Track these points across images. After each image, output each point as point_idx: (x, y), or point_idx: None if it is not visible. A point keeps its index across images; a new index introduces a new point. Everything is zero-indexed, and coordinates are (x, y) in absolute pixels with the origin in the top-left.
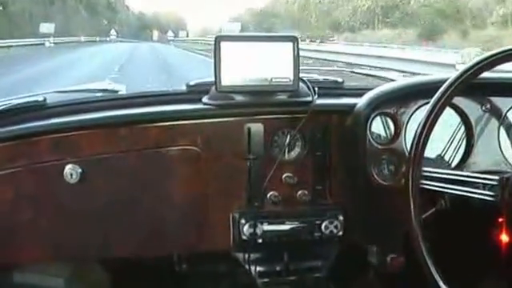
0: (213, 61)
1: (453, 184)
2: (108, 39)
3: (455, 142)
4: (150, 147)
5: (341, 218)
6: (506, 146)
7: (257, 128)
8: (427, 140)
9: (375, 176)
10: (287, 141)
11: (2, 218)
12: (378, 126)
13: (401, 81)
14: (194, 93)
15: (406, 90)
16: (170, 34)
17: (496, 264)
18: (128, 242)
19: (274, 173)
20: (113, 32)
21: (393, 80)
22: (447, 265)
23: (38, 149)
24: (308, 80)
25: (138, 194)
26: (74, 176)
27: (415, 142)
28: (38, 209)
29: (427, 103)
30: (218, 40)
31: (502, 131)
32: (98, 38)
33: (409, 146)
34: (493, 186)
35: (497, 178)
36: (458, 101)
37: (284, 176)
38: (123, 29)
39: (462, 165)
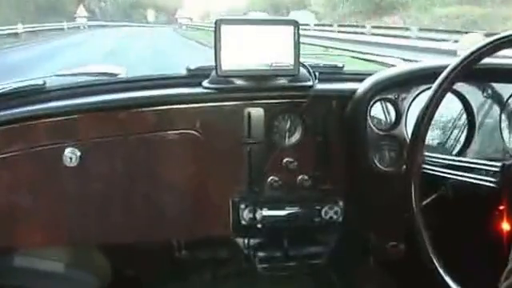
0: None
1: (454, 170)
2: (78, 25)
3: (456, 128)
4: (149, 131)
5: (341, 203)
6: (508, 132)
7: (257, 112)
8: (429, 125)
9: (376, 162)
10: (287, 125)
11: (1, 202)
12: (378, 112)
13: (402, 66)
14: (194, 77)
15: (406, 75)
16: (182, 15)
17: (497, 251)
18: (127, 226)
19: (274, 158)
20: (81, 12)
21: (393, 65)
22: (447, 252)
23: (37, 132)
24: (309, 65)
25: (137, 178)
26: (73, 159)
27: (416, 127)
28: (37, 192)
29: (428, 89)
30: (219, 23)
31: (504, 118)
32: (65, 25)
33: (410, 132)
34: (495, 172)
35: (498, 164)
36: (460, 86)
37: (284, 161)
38: (106, 6)
39: (463, 152)
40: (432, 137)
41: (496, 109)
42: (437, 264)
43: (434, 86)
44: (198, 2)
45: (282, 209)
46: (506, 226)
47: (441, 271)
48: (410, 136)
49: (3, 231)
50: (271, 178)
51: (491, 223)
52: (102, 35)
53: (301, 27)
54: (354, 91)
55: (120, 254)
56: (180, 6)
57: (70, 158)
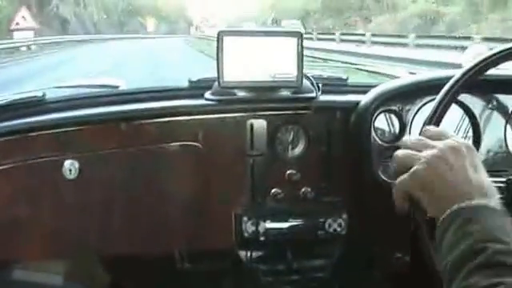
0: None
1: None
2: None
3: None
4: (150, 143)
5: (345, 216)
6: None
7: (260, 124)
8: None
9: (380, 174)
10: (290, 137)
11: (0, 214)
12: (382, 123)
13: (406, 78)
14: (196, 88)
15: (411, 86)
16: (207, 23)
17: None
18: (127, 239)
19: (277, 169)
20: (22, 21)
21: (397, 77)
22: None
23: (37, 144)
24: (312, 76)
25: (138, 191)
26: (72, 172)
27: None
28: (37, 205)
29: (432, 100)
30: (221, 35)
31: (509, 129)
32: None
33: None
34: (500, 188)
35: (504, 179)
36: (464, 98)
37: (287, 173)
38: (86, 13)
39: None
40: None
41: (501, 120)
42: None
43: (438, 97)
44: (202, 8)
45: (286, 221)
46: None
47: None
48: None
49: (2, 243)
50: (274, 190)
51: None
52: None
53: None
54: (357, 103)
55: (120, 267)
56: (182, 16)
57: (70, 171)
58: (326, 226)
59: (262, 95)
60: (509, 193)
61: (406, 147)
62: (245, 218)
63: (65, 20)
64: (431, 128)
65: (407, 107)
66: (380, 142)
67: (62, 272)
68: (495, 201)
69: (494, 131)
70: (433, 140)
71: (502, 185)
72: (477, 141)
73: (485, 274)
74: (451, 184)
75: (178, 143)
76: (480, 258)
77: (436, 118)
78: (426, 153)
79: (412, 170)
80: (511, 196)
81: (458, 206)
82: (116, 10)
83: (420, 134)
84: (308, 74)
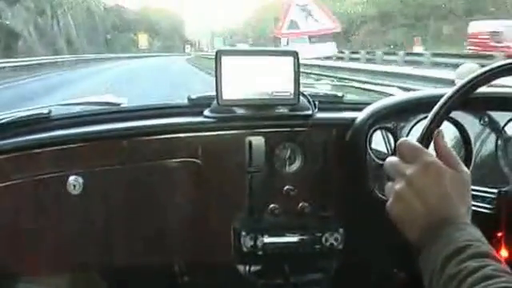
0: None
1: None
2: None
3: None
4: (151, 159)
5: (341, 230)
6: (504, 159)
7: (258, 141)
8: None
9: (375, 190)
10: (288, 154)
11: (5, 229)
12: (378, 141)
13: (400, 95)
14: (196, 106)
15: (404, 104)
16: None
17: None
18: (128, 253)
19: (275, 185)
20: None
21: (392, 94)
22: None
23: (42, 160)
24: (308, 94)
25: (139, 206)
26: (76, 187)
27: None
28: (41, 220)
29: (426, 117)
30: (219, 54)
31: (500, 145)
32: None
33: None
34: (491, 199)
35: (495, 191)
36: (457, 115)
37: (285, 188)
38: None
39: None
40: None
41: (493, 136)
42: None
43: (431, 114)
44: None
45: (283, 236)
46: (503, 253)
47: None
48: None
49: (6, 257)
50: (272, 205)
51: None
52: None
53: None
54: (353, 120)
55: (121, 281)
56: (178, 32)
57: (74, 186)
58: (323, 240)
59: (260, 113)
60: (499, 203)
61: (386, 172)
62: (243, 233)
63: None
64: (405, 144)
65: (401, 124)
66: (375, 159)
67: (63, 285)
68: (467, 215)
69: (486, 147)
70: (406, 161)
71: (493, 196)
72: (468, 156)
73: (475, 260)
74: (423, 214)
75: (178, 159)
76: (468, 251)
77: (428, 135)
78: (396, 186)
79: (388, 203)
80: (500, 206)
81: (432, 231)
82: (103, 24)
83: (395, 150)
84: (304, 92)
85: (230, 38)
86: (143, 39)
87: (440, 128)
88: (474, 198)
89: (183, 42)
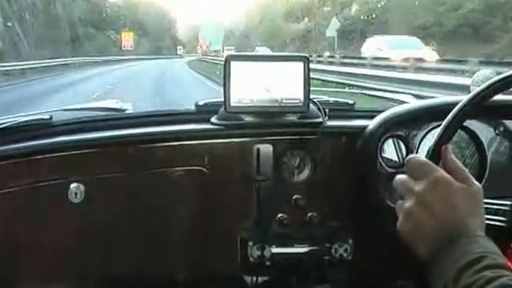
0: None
1: None
2: None
3: (467, 166)
4: (156, 167)
5: (350, 241)
6: None
7: (266, 149)
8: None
9: (387, 199)
10: (296, 162)
11: (4, 236)
12: (389, 149)
13: (413, 103)
14: (203, 113)
15: (417, 112)
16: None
17: None
18: (131, 262)
19: (283, 194)
20: None
21: (404, 102)
22: None
23: (43, 167)
24: (318, 101)
25: (143, 214)
26: (78, 195)
27: None
28: (42, 227)
29: (439, 126)
30: (229, 59)
31: None
32: None
33: None
34: (505, 211)
35: (509, 203)
36: (471, 123)
37: (293, 197)
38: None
39: None
40: None
41: (507, 146)
42: None
43: (444, 123)
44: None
45: (291, 246)
46: None
47: None
48: None
49: (5, 266)
50: (280, 214)
51: None
52: None
53: None
54: (364, 128)
55: None
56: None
57: (75, 194)
58: (332, 251)
59: (269, 120)
60: None
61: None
62: (250, 243)
63: None
64: (413, 161)
65: (414, 132)
66: (386, 168)
67: None
68: (480, 228)
69: (500, 157)
70: (414, 177)
71: (506, 208)
72: (483, 167)
73: (491, 271)
74: (433, 229)
75: (184, 167)
76: (484, 262)
77: (441, 144)
78: (405, 204)
79: (398, 222)
80: None
81: (444, 244)
82: (69, 18)
83: (405, 166)
84: (314, 99)
85: (228, 38)
86: (128, 38)
87: (448, 144)
88: (488, 211)
89: (174, 42)
